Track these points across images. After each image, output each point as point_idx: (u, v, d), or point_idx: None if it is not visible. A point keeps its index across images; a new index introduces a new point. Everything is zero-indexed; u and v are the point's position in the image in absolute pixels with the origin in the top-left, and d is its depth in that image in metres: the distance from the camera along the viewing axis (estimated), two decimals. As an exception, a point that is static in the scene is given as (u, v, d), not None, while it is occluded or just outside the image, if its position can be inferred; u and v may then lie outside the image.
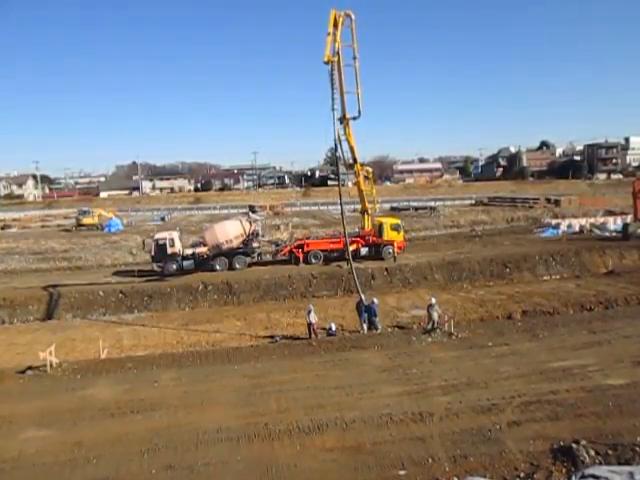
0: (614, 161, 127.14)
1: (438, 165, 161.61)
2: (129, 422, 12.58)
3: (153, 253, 32.60)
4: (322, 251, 33.91)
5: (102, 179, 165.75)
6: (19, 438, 12.02)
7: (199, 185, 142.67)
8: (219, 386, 14.70)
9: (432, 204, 76.58)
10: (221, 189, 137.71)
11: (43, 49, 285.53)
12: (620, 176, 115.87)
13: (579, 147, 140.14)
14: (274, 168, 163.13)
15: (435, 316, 19.49)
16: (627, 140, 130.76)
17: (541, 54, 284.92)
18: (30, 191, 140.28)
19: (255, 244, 33.99)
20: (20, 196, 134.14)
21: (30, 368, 16.71)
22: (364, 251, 34.16)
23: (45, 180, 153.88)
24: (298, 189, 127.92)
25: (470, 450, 10.34)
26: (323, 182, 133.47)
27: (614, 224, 45.32)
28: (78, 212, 71.40)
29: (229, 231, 33.03)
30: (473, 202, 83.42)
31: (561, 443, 10.26)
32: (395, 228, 35.00)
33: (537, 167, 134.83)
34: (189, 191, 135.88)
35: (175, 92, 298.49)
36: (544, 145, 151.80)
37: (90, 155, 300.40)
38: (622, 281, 28.39)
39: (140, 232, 56.22)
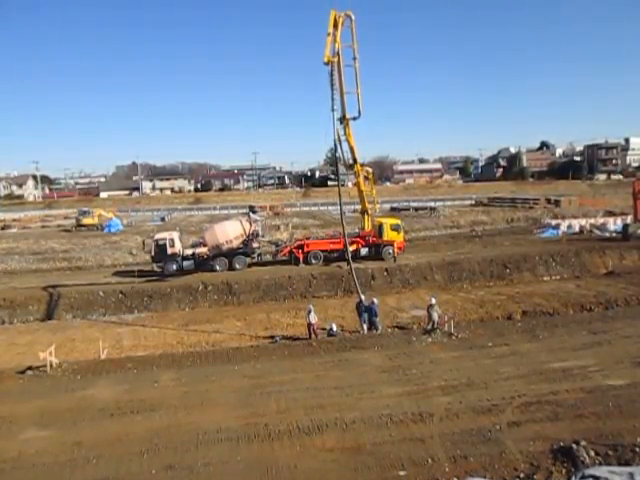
0: (614, 162, 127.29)
1: (438, 165, 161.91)
2: (129, 422, 12.57)
3: (153, 253, 32.59)
4: (322, 251, 33.91)
5: (102, 179, 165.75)
6: (19, 438, 12.02)
7: (199, 185, 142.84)
8: (219, 386, 14.69)
9: (432, 204, 76.47)
10: (221, 189, 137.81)
11: (43, 49, 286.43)
12: (620, 177, 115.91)
13: (579, 148, 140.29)
14: (274, 168, 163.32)
15: (435, 316, 19.47)
16: (627, 141, 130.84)
17: (541, 54, 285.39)
18: (30, 191, 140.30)
19: (255, 244, 33.95)
20: (20, 196, 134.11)
21: (30, 368, 16.69)
22: (364, 251, 34.17)
23: (45, 180, 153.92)
24: (298, 189, 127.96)
25: (470, 450, 10.34)
26: (323, 182, 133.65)
27: (614, 225, 45.31)
28: (78, 212, 71.42)
29: (229, 231, 33.01)
30: (473, 202, 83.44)
31: (561, 444, 10.25)
32: (395, 228, 35.01)
33: (537, 167, 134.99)
34: (189, 191, 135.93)
35: (175, 92, 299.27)
36: (544, 145, 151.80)
37: (90, 155, 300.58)
38: (622, 282, 28.40)
39: (140, 232, 56.25)
